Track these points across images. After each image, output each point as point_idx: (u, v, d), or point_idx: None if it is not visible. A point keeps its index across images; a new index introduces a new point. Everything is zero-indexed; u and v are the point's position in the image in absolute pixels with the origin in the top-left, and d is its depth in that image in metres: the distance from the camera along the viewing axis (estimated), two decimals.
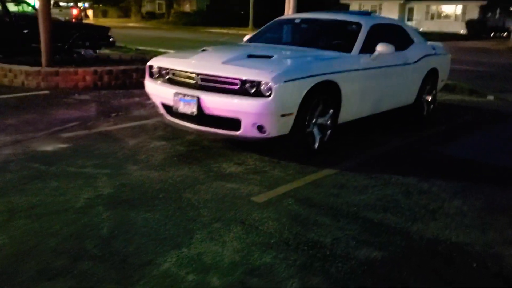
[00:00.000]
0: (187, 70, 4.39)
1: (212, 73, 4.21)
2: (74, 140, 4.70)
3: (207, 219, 3.09)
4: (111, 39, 11.69)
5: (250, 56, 4.48)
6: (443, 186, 3.89)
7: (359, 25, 5.28)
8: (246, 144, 4.61)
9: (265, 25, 6.10)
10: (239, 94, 4.08)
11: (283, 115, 4.07)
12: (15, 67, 7.76)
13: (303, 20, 5.86)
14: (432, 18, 43.10)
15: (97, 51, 11.23)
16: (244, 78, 4.05)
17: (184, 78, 4.44)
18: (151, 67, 4.81)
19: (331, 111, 4.62)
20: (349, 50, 4.98)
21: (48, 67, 7.92)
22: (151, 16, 47.73)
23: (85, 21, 31.27)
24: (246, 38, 6.08)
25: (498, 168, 4.50)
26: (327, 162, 4.34)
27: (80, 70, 7.72)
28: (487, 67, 14.65)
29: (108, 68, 7.95)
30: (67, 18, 25.84)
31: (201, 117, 4.25)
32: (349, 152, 4.74)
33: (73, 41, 10.63)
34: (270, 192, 3.57)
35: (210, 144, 4.73)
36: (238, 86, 4.08)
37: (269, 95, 3.95)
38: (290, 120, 4.17)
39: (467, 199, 3.65)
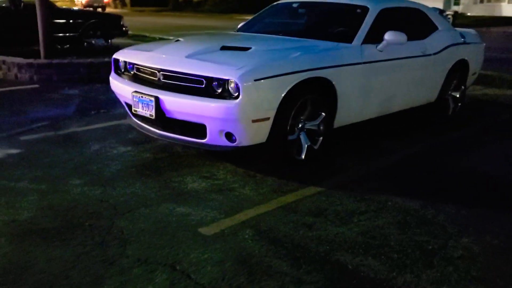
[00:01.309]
0: (149, 66, 3.72)
1: (173, 69, 3.52)
2: (30, 144, 4.14)
3: (130, 260, 2.42)
4: (124, 28, 11.19)
5: (224, 48, 3.75)
6: (453, 215, 3.06)
7: (365, 9, 4.42)
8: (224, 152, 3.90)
9: (261, 11, 5.33)
10: (204, 95, 3.38)
11: (255, 121, 3.34)
12: (9, 59, 7.33)
13: (302, 4, 5.04)
14: (482, 1, 40.43)
15: (110, 40, 10.77)
16: (208, 76, 3.34)
17: (147, 74, 3.77)
18: (116, 60, 4.17)
19: (323, 114, 3.84)
20: (350, 40, 4.15)
21: (47, 58, 7.47)
22: (188, 3, 47.34)
23: (120, 9, 31.21)
24: (240, 25, 5.34)
25: None
26: (315, 177, 3.58)
27: (75, 62, 7.22)
28: None
29: (105, 59, 7.40)
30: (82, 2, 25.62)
31: (163, 121, 3.58)
32: (346, 162, 3.95)
33: (84, 30, 10.19)
34: (226, 220, 2.87)
35: (182, 151, 4.05)
36: (203, 85, 3.38)
37: (237, 97, 3.23)
38: (266, 126, 3.43)
39: (481, 235, 2.81)
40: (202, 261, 2.44)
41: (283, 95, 3.42)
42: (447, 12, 21.45)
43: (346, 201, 3.19)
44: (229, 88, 3.27)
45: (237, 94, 3.23)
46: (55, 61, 7.18)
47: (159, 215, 2.91)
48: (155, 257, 2.46)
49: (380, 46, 4.21)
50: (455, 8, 34.45)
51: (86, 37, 10.25)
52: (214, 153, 3.93)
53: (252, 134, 3.40)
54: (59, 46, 9.12)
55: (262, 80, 3.29)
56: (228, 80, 3.25)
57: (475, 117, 5.87)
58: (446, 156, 4.21)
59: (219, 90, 3.32)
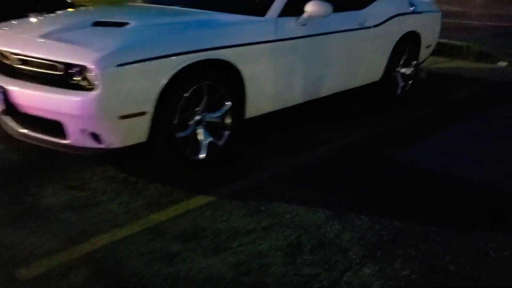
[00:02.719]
0: (4, 49, 3.00)
1: (25, 53, 2.81)
2: None
3: None
4: (69, 1, 10.31)
5: (97, 23, 3.03)
6: (363, 232, 2.46)
7: None
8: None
9: None
10: (62, 85, 2.69)
11: (125, 117, 2.66)
12: None
13: None
14: None
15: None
16: (62, 61, 2.64)
17: (5, 59, 3.06)
18: None
19: (228, 103, 3.18)
20: (263, 12, 3.45)
21: None
22: None
23: None
24: None
25: (475, 190, 3.00)
26: (212, 182, 2.94)
27: None
28: None
29: None
30: None
31: (17, 115, 2.89)
32: (261, 160, 3.31)
33: (24, 3, 9.29)
34: (63, 254, 2.19)
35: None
36: (62, 72, 2.68)
37: (95, 88, 2.55)
38: (143, 122, 2.76)
39: (389, 262, 2.22)
40: None
41: (164, 82, 2.74)
42: None
43: (235, 216, 2.56)
44: (88, 76, 2.58)
45: (97, 83, 2.55)
46: None
47: None
48: None
49: (301, 19, 3.52)
50: None
51: (26, 11, 9.37)
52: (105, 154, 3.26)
53: (123, 133, 2.73)
54: None
55: (129, 65, 2.60)
56: (83, 66, 2.56)
57: (430, 95, 5.26)
58: (386, 148, 3.59)
59: (79, 79, 2.63)
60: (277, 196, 2.79)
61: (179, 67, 2.78)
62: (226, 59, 3.04)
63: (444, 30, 9.56)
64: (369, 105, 4.77)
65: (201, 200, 2.73)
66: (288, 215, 2.58)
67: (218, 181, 2.95)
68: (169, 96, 2.79)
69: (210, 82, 3.03)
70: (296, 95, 3.73)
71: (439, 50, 8.14)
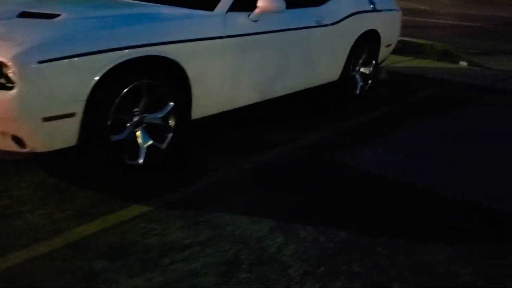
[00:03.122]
0: None
1: None
2: None
3: None
4: None
5: (23, 14, 2.75)
6: (308, 244, 2.29)
7: None
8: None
9: None
10: None
11: (49, 119, 2.42)
12: None
13: None
14: None
15: None
16: None
17: None
18: None
19: (171, 103, 2.96)
20: (212, 6, 3.24)
21: None
22: None
23: None
24: None
25: (427, 198, 2.89)
26: (152, 189, 2.73)
27: None
28: (485, 21, 12.75)
29: None
30: None
31: None
32: (207, 165, 3.11)
33: None
34: None
35: None
36: None
37: (15, 86, 2.30)
38: (72, 125, 2.52)
39: (331, 280, 2.06)
40: None
41: (94, 81, 2.50)
42: None
43: (170, 229, 2.36)
44: (7, 74, 2.32)
45: (16, 81, 2.29)
46: None
47: None
48: None
49: (253, 15, 3.33)
50: None
51: None
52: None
53: (48, 137, 2.48)
54: None
55: (54, 62, 2.35)
56: (2, 62, 2.30)
57: (390, 95, 5.16)
58: (339, 151, 3.45)
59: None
60: (220, 204, 2.61)
61: (112, 65, 2.55)
62: (168, 56, 2.82)
63: (410, 28, 9.63)
64: (326, 106, 4.64)
65: (135, 210, 2.51)
66: (229, 227, 2.39)
67: (157, 189, 2.74)
68: (101, 96, 2.55)
69: (150, 80, 2.81)
70: (247, 95, 3.54)
71: (402, 48, 8.14)
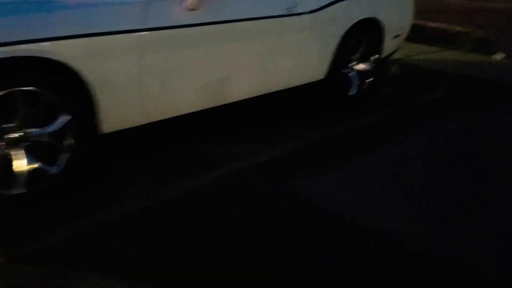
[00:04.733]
0: None
1: None
2: None
3: None
4: None
5: None
6: None
7: None
8: None
9: None
10: None
11: None
12: None
13: None
14: None
15: None
16: None
17: None
18: None
19: (66, 116, 2.32)
20: None
21: None
22: None
23: None
24: None
25: (386, 246, 2.11)
26: (16, 233, 2.12)
27: None
28: None
29: None
30: None
31: None
32: (122, 190, 2.47)
33: None
34: None
35: None
36: None
37: None
38: None
39: None
40: None
41: None
42: None
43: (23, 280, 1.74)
44: None
45: None
46: None
47: None
48: None
49: (190, 2, 2.60)
50: None
51: None
52: None
53: None
54: None
55: None
56: None
57: (394, 97, 4.31)
58: (298, 172, 2.71)
59: None
60: (83, 260, 1.94)
61: None
62: (51, 56, 2.17)
63: (450, 14, 8.52)
64: (308, 110, 3.84)
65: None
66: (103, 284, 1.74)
67: (22, 232, 2.11)
68: None
69: (28, 88, 2.17)
70: (188, 101, 2.83)
71: (431, 37, 7.13)
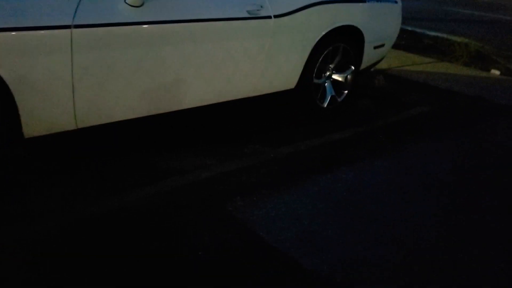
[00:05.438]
0: None
1: None
2: None
3: None
4: None
5: None
6: None
7: None
8: None
9: None
10: None
11: None
12: None
13: None
14: None
15: None
16: None
17: None
18: None
19: None
20: None
21: None
22: None
23: None
24: None
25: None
26: None
27: None
28: None
29: None
30: None
31: None
32: (44, 207, 2.24)
33: None
34: None
35: None
36: None
37: None
38: None
39: None
40: None
41: None
42: None
43: None
44: None
45: None
46: None
47: None
48: None
49: None
50: None
51: None
52: None
53: None
54: None
55: None
56: None
57: (368, 111, 4.03)
58: (238, 195, 2.46)
59: None
60: None
61: None
62: None
63: (452, 22, 8.24)
64: (271, 122, 3.57)
65: None
66: None
67: None
68: None
69: None
70: (123, 107, 2.58)
71: (428, 47, 6.86)
